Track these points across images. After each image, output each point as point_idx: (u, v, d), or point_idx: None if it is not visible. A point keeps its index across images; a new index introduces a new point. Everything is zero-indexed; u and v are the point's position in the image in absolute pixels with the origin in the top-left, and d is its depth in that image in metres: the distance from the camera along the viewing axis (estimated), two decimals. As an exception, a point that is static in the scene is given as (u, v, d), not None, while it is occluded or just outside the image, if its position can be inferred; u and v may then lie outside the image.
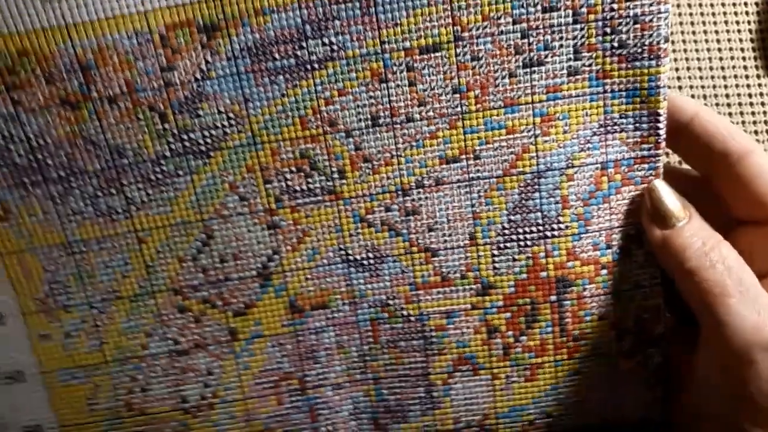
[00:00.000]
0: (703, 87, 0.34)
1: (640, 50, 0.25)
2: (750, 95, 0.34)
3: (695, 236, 0.24)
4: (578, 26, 0.25)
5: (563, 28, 0.25)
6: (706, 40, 0.35)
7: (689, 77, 0.34)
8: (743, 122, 0.34)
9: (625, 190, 0.26)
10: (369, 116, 0.26)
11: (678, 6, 0.35)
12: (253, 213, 0.27)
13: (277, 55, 0.25)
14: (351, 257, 0.28)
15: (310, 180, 0.27)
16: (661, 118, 0.25)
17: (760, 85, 0.35)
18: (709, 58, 0.35)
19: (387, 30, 0.25)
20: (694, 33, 0.35)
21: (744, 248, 0.25)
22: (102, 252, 0.27)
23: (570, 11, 0.24)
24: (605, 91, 0.25)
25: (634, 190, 0.26)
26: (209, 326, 0.28)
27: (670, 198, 0.25)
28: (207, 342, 0.28)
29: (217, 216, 0.27)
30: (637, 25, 0.24)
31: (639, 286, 0.27)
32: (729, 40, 0.35)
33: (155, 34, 0.25)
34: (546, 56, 0.25)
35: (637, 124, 0.26)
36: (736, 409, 0.23)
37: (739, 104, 0.34)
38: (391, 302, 0.28)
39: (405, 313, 0.28)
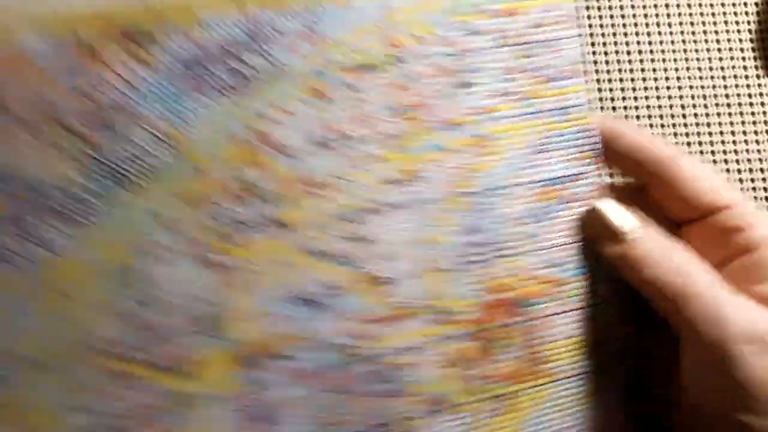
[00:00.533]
0: (702, 87, 0.35)
1: (558, 71, 0.26)
2: (750, 95, 0.35)
3: (650, 246, 0.25)
4: (503, 50, 0.26)
5: (489, 51, 0.26)
6: (706, 40, 0.35)
7: (689, 77, 0.35)
8: (743, 122, 0.34)
9: (571, 206, 0.26)
10: (314, 138, 0.25)
11: (678, 6, 0.35)
12: (190, 251, 0.24)
13: (214, 70, 0.23)
14: (305, 295, 0.25)
15: (252, 210, 0.24)
16: (592, 134, 0.26)
17: (760, 85, 0.35)
18: (709, 58, 0.35)
19: (330, 47, 0.25)
20: (693, 33, 0.35)
21: (691, 245, 0.26)
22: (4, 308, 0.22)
23: (492, 35, 0.26)
24: (538, 111, 0.26)
25: (579, 205, 0.26)
26: (149, 392, 0.23)
27: (617, 213, 0.26)
28: (149, 412, 0.23)
29: (147, 256, 0.23)
30: (549, 49, 0.26)
31: (599, 302, 0.27)
32: (729, 40, 0.35)
33: (74, 39, 0.22)
34: (478, 78, 0.26)
35: (572, 141, 0.26)
36: (727, 403, 0.24)
37: (739, 104, 0.34)
38: (351, 343, 0.25)
39: (369, 353, 0.26)
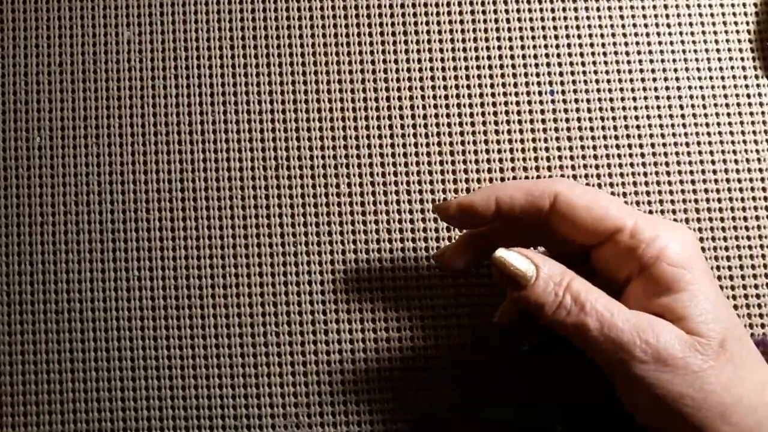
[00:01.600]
0: (702, 88, 0.35)
1: None
2: (749, 96, 0.35)
3: (546, 287, 0.26)
4: None
5: None
6: (705, 41, 0.35)
7: (688, 78, 0.35)
8: (742, 123, 0.34)
9: None
10: None
11: (677, 8, 0.35)
12: None
13: None
14: None
15: None
16: None
17: (759, 86, 0.35)
18: (708, 59, 0.35)
19: None
20: (693, 34, 0.35)
21: (602, 267, 0.27)
22: None
23: None
24: None
25: None
26: None
27: (514, 260, 0.26)
28: None
29: None
30: None
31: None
32: (728, 41, 0.35)
33: None
34: None
35: None
36: (660, 420, 0.25)
37: (738, 105, 0.34)
38: None
39: None
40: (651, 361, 0.24)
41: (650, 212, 0.33)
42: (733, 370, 0.25)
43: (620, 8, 0.35)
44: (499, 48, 0.35)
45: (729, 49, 0.35)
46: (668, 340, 0.24)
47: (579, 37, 0.35)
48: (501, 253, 0.26)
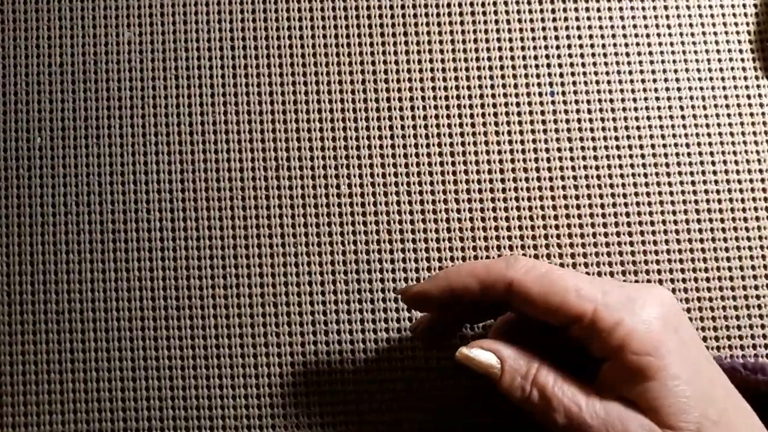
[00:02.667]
0: (702, 88, 0.35)
1: None
2: (749, 96, 0.35)
3: (512, 381, 0.26)
4: None
5: None
6: (705, 42, 0.35)
7: (688, 78, 0.35)
8: (742, 123, 0.34)
9: None
10: None
11: (677, 8, 0.35)
12: None
13: None
14: None
15: None
16: None
17: (759, 86, 0.35)
18: (708, 60, 0.35)
19: None
20: (693, 35, 0.35)
21: (574, 342, 0.26)
22: None
23: None
24: None
25: None
26: None
27: (479, 355, 0.26)
28: None
29: None
30: None
31: None
32: (728, 42, 0.35)
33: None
34: None
35: None
36: None
37: (738, 105, 0.34)
38: None
39: None
40: None
41: (650, 213, 0.33)
42: None
43: (620, 9, 0.35)
44: (500, 49, 0.35)
45: (729, 50, 0.35)
46: None
47: (579, 37, 0.35)
48: (464, 350, 0.26)
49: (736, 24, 0.35)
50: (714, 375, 0.26)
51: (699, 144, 0.34)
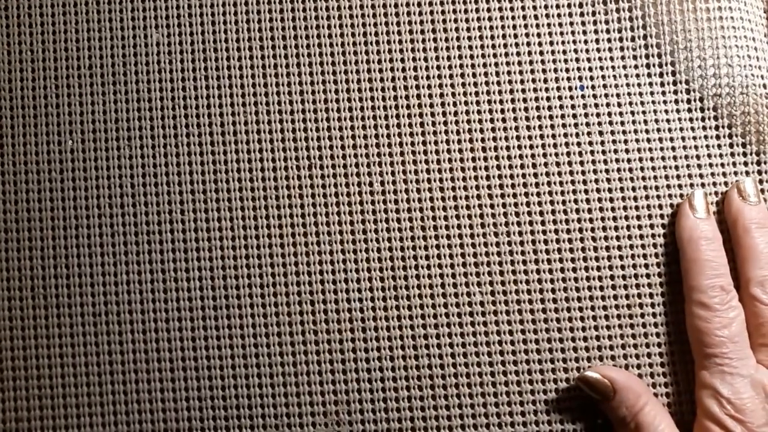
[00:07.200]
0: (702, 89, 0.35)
1: None
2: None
3: (619, 409, 0.29)
4: None
5: None
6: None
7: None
8: None
9: None
10: None
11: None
12: None
13: None
14: None
15: None
16: None
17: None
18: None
19: None
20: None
21: None
22: None
23: None
24: None
25: None
26: None
27: (591, 381, 0.30)
28: None
29: None
30: None
31: None
32: (754, 33, 0.35)
33: None
34: None
35: None
36: None
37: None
38: None
39: None
40: None
41: (650, 216, 0.33)
42: None
43: (622, 10, 0.35)
44: (504, 49, 0.35)
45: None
46: None
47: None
48: (585, 372, 0.30)
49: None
50: None
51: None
